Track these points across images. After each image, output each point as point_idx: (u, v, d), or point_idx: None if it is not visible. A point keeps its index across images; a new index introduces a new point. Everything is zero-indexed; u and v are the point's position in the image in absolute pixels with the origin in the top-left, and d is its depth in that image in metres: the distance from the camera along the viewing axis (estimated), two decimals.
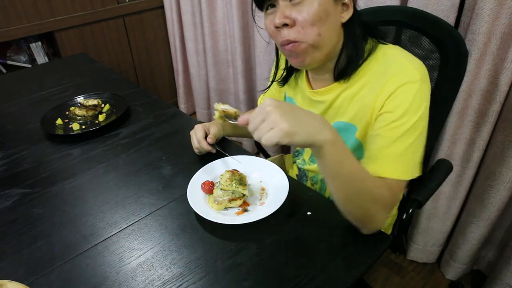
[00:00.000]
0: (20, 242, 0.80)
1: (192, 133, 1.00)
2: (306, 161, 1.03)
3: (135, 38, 2.41)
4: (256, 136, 0.60)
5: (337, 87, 0.83)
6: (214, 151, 0.98)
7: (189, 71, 2.57)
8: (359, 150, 0.84)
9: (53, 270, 0.72)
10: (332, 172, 0.66)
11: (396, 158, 0.72)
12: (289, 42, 0.74)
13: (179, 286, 0.67)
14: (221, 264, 0.71)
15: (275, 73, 0.96)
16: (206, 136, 0.98)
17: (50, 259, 0.75)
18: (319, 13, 0.71)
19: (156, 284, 0.68)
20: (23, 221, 0.85)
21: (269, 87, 1.02)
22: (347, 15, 0.76)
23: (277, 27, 0.74)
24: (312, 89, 0.88)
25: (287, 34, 0.74)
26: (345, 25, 0.77)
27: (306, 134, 0.59)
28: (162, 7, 2.44)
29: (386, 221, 1.04)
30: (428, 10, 1.10)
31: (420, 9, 1.05)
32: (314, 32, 0.72)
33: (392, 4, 1.25)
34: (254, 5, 0.79)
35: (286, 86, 0.98)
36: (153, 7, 2.41)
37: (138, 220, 0.83)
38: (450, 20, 1.11)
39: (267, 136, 0.58)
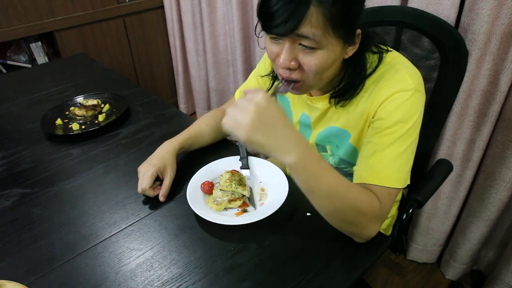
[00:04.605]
0: (20, 242, 0.80)
1: (139, 175, 0.88)
2: None
3: (135, 38, 2.41)
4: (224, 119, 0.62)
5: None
6: (162, 199, 0.87)
7: (189, 71, 2.56)
8: (354, 156, 0.84)
9: (53, 270, 0.72)
10: (307, 189, 0.65)
11: (387, 166, 0.71)
12: (289, 79, 0.72)
13: (179, 286, 0.67)
14: (220, 264, 0.71)
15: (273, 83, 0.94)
16: (157, 177, 0.88)
17: (50, 259, 0.75)
18: (327, 65, 0.68)
19: (156, 284, 0.68)
20: (23, 221, 0.85)
21: (272, 84, 0.97)
22: (351, 51, 0.72)
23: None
24: (311, 95, 0.88)
25: (288, 74, 0.71)
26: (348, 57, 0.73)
27: (270, 151, 0.61)
28: (162, 7, 2.44)
29: (385, 222, 1.04)
30: (428, 10, 1.10)
31: (420, 9, 1.05)
32: (316, 78, 0.71)
33: (392, 4, 1.25)
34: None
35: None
36: (153, 7, 2.41)
37: (137, 221, 0.83)
38: (450, 20, 1.11)
39: (227, 125, 0.61)
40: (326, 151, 0.91)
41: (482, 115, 1.17)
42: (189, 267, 0.71)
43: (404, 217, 0.92)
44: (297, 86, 0.73)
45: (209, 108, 2.62)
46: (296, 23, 0.62)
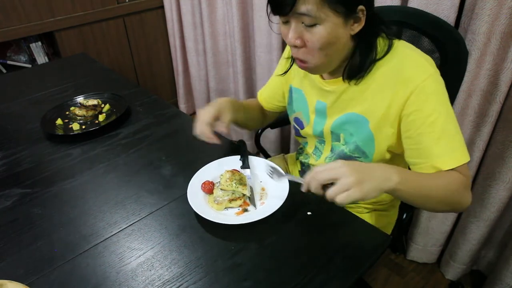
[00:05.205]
0: (20, 242, 0.80)
1: (199, 115, 0.91)
2: (309, 154, 1.03)
3: (135, 38, 2.41)
4: (328, 195, 0.65)
5: None
6: (218, 142, 0.89)
7: (189, 71, 2.57)
8: (368, 144, 0.85)
9: (53, 270, 0.72)
10: (410, 201, 0.74)
11: (452, 148, 0.75)
12: (297, 59, 0.79)
13: (179, 286, 0.67)
14: (221, 264, 0.71)
15: (291, 65, 0.97)
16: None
17: (50, 259, 0.75)
18: (328, 40, 0.73)
19: (156, 284, 0.68)
20: (23, 221, 0.85)
21: (285, 70, 0.99)
22: (358, 27, 0.75)
23: None
24: (323, 78, 0.88)
25: (296, 52, 0.78)
26: (356, 34, 0.76)
27: (378, 189, 0.66)
28: (162, 7, 2.44)
29: (385, 220, 1.04)
30: (428, 10, 1.10)
31: (420, 9, 1.05)
32: (321, 55, 0.76)
33: (392, 4, 1.25)
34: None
35: (292, 78, 0.98)
36: (153, 7, 2.41)
37: (138, 220, 0.83)
38: (450, 20, 1.11)
39: (342, 197, 0.64)
40: (339, 140, 0.91)
41: (482, 115, 1.17)
42: (189, 266, 0.71)
43: (404, 217, 0.92)
44: (306, 66, 0.79)
45: None
46: (293, 2, 0.69)
